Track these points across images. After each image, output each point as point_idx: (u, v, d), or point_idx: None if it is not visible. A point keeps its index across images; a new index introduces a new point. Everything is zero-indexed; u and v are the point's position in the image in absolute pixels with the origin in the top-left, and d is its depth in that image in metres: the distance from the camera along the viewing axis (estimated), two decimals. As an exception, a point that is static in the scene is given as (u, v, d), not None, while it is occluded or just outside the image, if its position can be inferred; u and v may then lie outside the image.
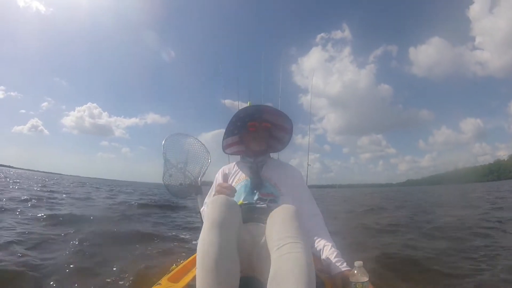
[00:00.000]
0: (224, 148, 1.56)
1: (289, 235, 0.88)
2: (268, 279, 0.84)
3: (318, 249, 1.24)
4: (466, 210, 6.78)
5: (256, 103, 1.46)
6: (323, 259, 1.20)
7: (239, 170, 1.46)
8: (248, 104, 1.45)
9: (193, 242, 3.24)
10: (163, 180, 1.81)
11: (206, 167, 1.93)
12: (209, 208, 0.98)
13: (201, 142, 1.95)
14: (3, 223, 3.64)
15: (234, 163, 1.54)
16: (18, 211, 4.72)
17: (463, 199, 11.66)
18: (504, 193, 13.53)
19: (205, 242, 0.89)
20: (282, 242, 0.87)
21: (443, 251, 2.97)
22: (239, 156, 1.60)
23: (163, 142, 1.84)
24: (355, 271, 1.03)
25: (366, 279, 1.01)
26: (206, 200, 1.51)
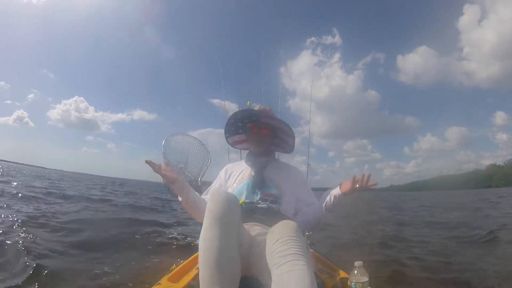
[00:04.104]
0: (232, 144, 1.61)
1: (290, 253, 0.87)
2: None
3: (321, 210, 1.29)
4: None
5: (257, 103, 1.46)
6: (327, 203, 1.26)
7: (243, 168, 1.46)
8: (248, 104, 1.46)
9: (193, 242, 3.25)
10: (163, 180, 1.81)
11: (206, 167, 1.92)
12: (209, 203, 1.00)
13: (201, 142, 1.95)
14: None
15: (239, 162, 1.56)
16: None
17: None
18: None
19: (206, 238, 0.91)
20: (283, 260, 0.85)
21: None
22: (240, 156, 1.61)
23: (163, 142, 1.83)
24: (355, 271, 1.04)
25: (366, 279, 1.02)
26: (203, 196, 1.48)
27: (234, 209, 0.99)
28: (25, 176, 14.70)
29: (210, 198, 1.02)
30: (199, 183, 1.87)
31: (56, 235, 3.28)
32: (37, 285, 1.86)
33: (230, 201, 1.00)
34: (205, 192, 1.50)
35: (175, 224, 4.81)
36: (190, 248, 2.98)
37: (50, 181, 14.13)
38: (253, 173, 1.38)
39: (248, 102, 1.48)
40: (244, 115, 1.44)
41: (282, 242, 0.90)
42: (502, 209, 8.18)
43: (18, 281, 1.85)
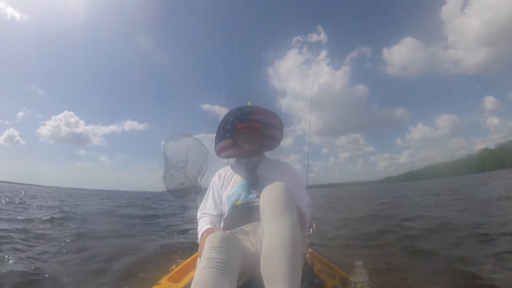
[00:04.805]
0: (218, 152, 1.56)
1: (277, 211, 0.93)
2: (261, 254, 0.88)
3: None
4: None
5: (257, 103, 1.46)
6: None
7: (235, 172, 1.46)
8: (248, 104, 1.45)
9: (193, 242, 3.25)
10: (164, 181, 1.81)
11: (206, 167, 1.93)
12: (206, 247, 0.94)
13: (201, 142, 1.95)
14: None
15: (231, 165, 1.55)
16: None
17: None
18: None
19: (197, 282, 0.84)
20: (271, 219, 0.93)
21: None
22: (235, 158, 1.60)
23: (162, 142, 1.84)
24: (355, 271, 1.04)
25: (366, 279, 1.02)
26: (200, 209, 1.44)
27: (231, 252, 0.93)
28: (36, 197, 14.04)
29: (207, 242, 0.96)
30: (199, 183, 1.87)
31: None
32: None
33: (227, 245, 0.94)
34: (202, 203, 1.46)
35: (175, 225, 4.82)
36: (190, 248, 2.98)
37: (60, 200, 13.54)
38: (246, 174, 1.38)
39: (248, 102, 1.47)
40: (235, 115, 1.43)
41: (271, 201, 0.96)
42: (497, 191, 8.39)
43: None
